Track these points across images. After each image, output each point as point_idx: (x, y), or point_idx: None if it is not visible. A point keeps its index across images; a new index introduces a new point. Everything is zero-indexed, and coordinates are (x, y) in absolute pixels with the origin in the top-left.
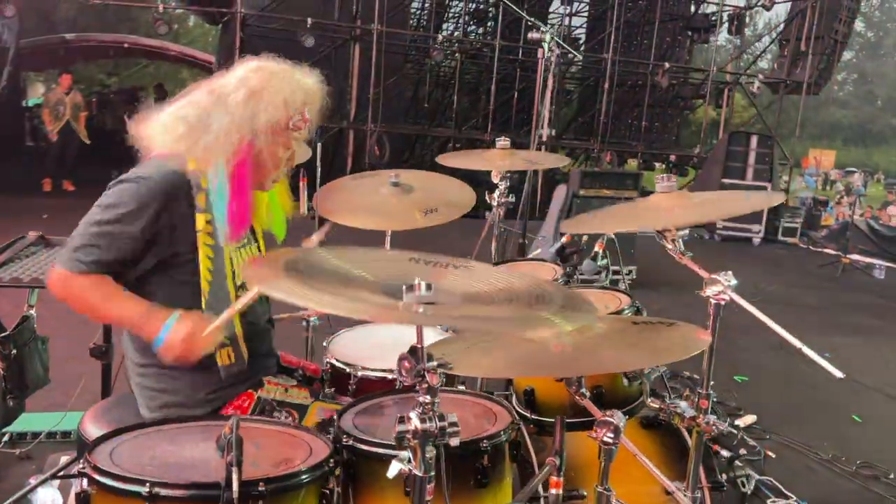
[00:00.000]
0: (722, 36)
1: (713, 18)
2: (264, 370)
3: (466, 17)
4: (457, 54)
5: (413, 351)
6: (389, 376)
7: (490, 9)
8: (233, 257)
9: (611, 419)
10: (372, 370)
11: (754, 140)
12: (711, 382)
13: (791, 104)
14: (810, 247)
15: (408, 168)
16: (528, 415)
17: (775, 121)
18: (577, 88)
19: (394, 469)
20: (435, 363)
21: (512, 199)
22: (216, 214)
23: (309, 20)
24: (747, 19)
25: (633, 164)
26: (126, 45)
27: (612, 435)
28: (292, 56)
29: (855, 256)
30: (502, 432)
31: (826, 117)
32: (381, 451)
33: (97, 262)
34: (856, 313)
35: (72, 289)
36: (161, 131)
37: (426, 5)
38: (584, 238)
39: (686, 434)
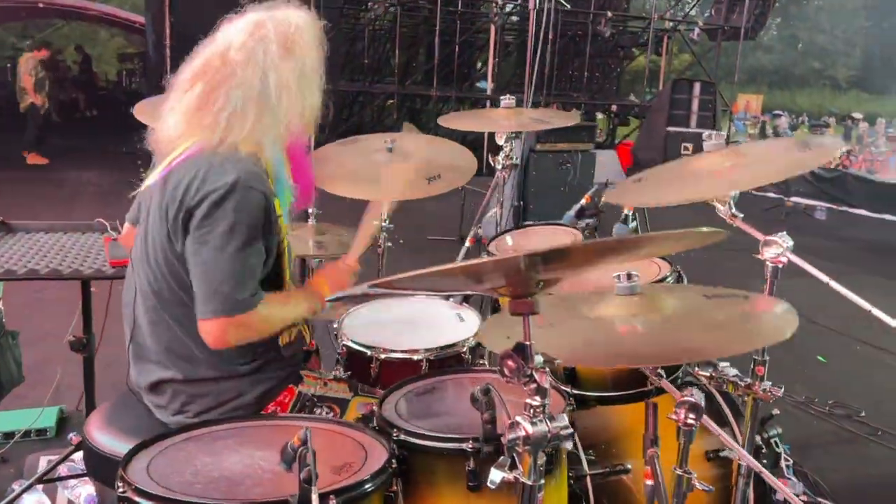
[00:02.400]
0: None
1: None
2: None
3: None
4: (391, 7)
5: (519, 348)
6: (415, 357)
7: None
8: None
9: (691, 398)
10: (395, 352)
11: (697, 87)
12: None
13: (722, 50)
14: (753, 191)
15: (347, 129)
16: (570, 389)
17: (712, 67)
18: (517, 40)
19: (496, 476)
20: (542, 360)
21: (517, 160)
22: (279, 189)
23: None
24: None
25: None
26: (40, 5)
27: (693, 415)
28: (227, 11)
29: (796, 199)
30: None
31: (752, 62)
32: (436, 444)
33: (255, 288)
34: (805, 255)
35: (250, 328)
36: (191, 127)
37: None
38: (603, 199)
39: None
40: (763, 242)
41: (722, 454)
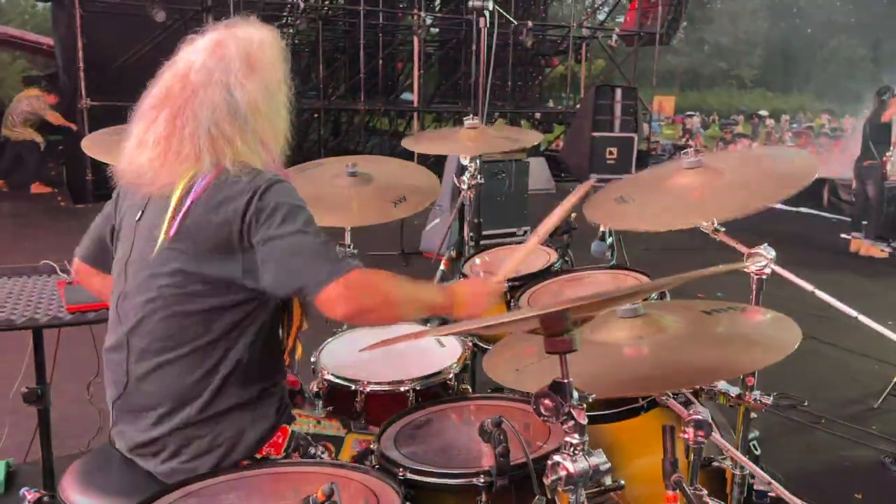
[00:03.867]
0: None
1: None
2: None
3: None
4: (311, 23)
5: (557, 387)
6: (402, 389)
7: None
8: None
9: (699, 416)
10: (380, 384)
11: (618, 92)
12: None
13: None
14: None
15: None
16: None
17: (630, 72)
18: (437, 52)
19: None
20: (578, 398)
21: (482, 180)
22: None
23: None
24: None
25: (501, 123)
26: None
27: (702, 433)
28: (141, 31)
29: None
30: None
31: (663, 65)
32: (446, 481)
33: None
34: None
35: (375, 286)
36: (169, 157)
37: None
38: (574, 215)
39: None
40: (747, 255)
41: (714, 463)
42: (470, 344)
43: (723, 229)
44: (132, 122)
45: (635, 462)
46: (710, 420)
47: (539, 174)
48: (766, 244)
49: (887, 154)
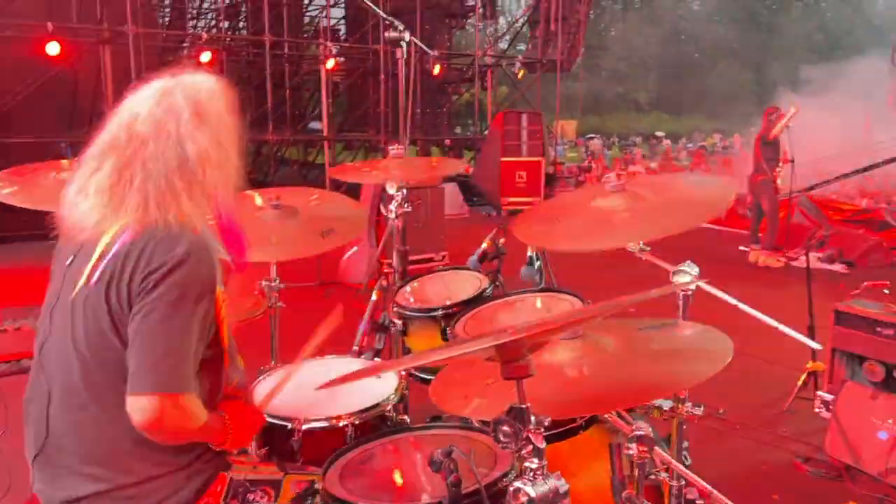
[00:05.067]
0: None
1: (469, 4)
2: None
3: (218, 14)
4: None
5: (515, 412)
6: (340, 424)
7: (242, 4)
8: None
9: (641, 432)
10: (317, 421)
11: (525, 118)
12: None
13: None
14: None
15: None
16: None
17: (534, 99)
18: (345, 81)
19: None
20: (535, 422)
21: (410, 208)
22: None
23: (50, 25)
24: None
25: (412, 150)
26: None
27: (645, 448)
28: (34, 66)
29: None
30: None
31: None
32: None
33: (194, 372)
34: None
35: (185, 414)
36: (111, 209)
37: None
38: (502, 241)
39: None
40: (672, 272)
41: (651, 477)
42: (404, 373)
43: (648, 249)
44: (75, 168)
45: (575, 480)
46: (651, 435)
47: (452, 200)
48: (689, 261)
49: (777, 170)
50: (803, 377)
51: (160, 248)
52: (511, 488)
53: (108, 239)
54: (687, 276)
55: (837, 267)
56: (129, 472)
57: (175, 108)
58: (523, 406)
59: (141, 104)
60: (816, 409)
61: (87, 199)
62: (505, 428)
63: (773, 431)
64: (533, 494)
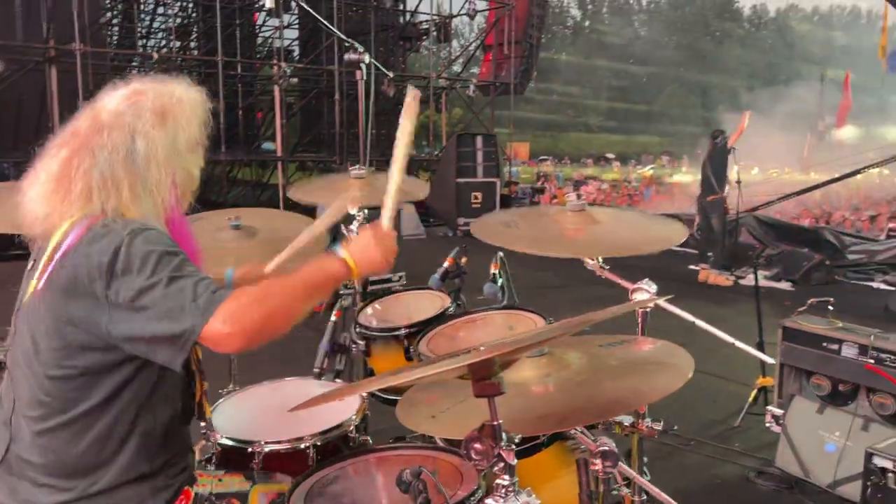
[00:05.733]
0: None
1: (423, 27)
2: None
3: (169, 33)
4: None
5: (486, 430)
6: (301, 446)
7: (194, 24)
8: None
9: (606, 447)
10: (279, 443)
11: (479, 140)
12: None
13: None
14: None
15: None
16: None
17: (487, 121)
18: (298, 101)
19: None
20: (506, 439)
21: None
22: None
23: None
24: (452, 28)
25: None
26: None
27: (610, 463)
28: None
29: None
30: None
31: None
32: None
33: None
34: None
35: (245, 306)
36: (56, 197)
37: (115, 20)
38: (464, 260)
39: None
40: (632, 290)
41: (613, 492)
42: (365, 394)
43: (607, 267)
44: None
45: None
46: (615, 450)
47: (409, 221)
48: (647, 279)
49: (727, 188)
50: (754, 393)
51: (106, 240)
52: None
53: (57, 238)
54: (646, 293)
55: (783, 285)
56: (92, 481)
57: (140, 105)
58: (495, 423)
59: (112, 98)
60: (767, 424)
61: (36, 186)
62: (476, 445)
63: (726, 446)
64: None
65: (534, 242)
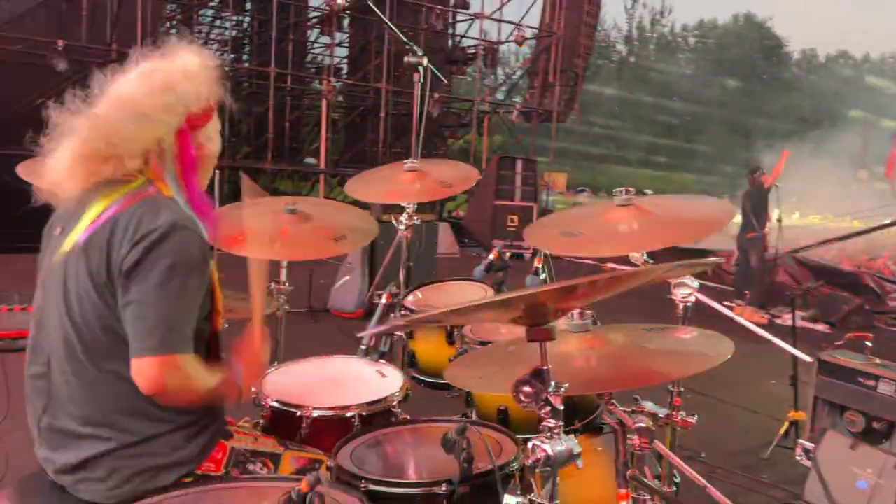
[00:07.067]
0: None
1: (470, 52)
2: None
3: (224, 45)
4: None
5: (537, 374)
6: (347, 414)
7: (249, 38)
8: None
9: (642, 424)
10: (326, 409)
11: (520, 164)
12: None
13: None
14: (572, 259)
15: None
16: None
17: (526, 146)
18: (344, 118)
19: (510, 502)
20: (554, 385)
21: (419, 220)
22: None
23: (60, 42)
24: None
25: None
26: None
27: (647, 440)
28: (40, 81)
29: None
30: None
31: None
32: (409, 490)
33: (192, 334)
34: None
35: (186, 374)
36: (82, 166)
37: (174, 30)
38: (508, 255)
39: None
40: (674, 284)
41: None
42: (407, 379)
43: (651, 261)
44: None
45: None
46: (652, 428)
47: (444, 239)
48: (689, 275)
49: (768, 226)
50: (785, 425)
51: (145, 220)
52: (530, 445)
53: (99, 207)
54: (687, 288)
55: (820, 327)
56: (129, 431)
57: (153, 79)
58: (544, 368)
59: (127, 79)
60: (797, 457)
61: (59, 159)
62: (526, 388)
63: (754, 477)
64: (550, 452)
65: (588, 248)
